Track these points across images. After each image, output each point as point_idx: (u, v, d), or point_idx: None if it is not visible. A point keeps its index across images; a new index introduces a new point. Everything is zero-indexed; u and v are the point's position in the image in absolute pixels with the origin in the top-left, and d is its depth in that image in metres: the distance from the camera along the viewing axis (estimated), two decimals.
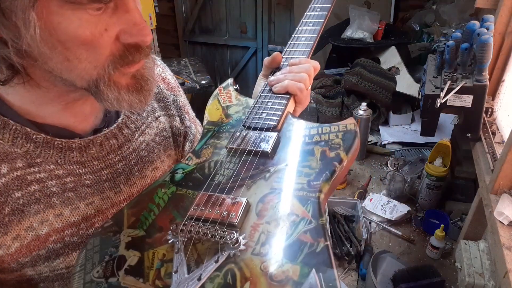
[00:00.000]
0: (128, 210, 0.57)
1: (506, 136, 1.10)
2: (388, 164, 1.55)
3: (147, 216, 0.56)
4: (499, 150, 1.06)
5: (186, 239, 0.51)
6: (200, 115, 0.83)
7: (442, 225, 1.17)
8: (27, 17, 0.42)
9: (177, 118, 0.80)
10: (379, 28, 2.19)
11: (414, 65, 2.05)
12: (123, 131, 0.66)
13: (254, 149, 0.61)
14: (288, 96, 0.69)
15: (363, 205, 1.37)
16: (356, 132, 0.61)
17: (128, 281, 0.48)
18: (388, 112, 1.80)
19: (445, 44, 1.13)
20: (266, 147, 0.61)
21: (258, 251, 0.48)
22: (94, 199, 0.62)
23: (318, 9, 0.80)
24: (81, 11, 0.44)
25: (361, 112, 1.56)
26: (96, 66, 0.49)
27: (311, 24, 0.78)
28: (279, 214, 0.52)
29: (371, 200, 1.39)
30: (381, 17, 2.24)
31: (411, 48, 2.14)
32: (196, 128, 0.87)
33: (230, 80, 0.80)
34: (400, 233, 1.28)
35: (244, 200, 0.54)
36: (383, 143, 1.73)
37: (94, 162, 0.61)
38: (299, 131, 0.64)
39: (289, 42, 0.78)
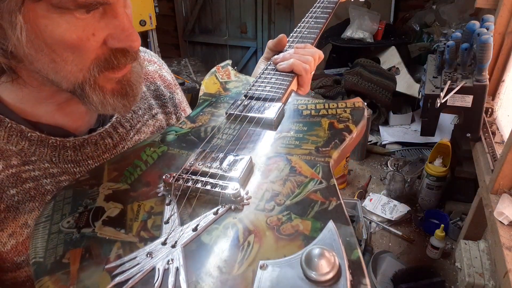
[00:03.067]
0: (109, 165, 0.54)
1: (506, 136, 1.10)
2: (388, 164, 1.55)
3: (132, 171, 0.52)
4: (499, 150, 1.06)
5: (180, 193, 0.47)
6: None
7: (442, 225, 1.17)
8: (13, 20, 0.42)
9: (173, 116, 0.79)
10: (379, 28, 2.19)
11: (414, 65, 2.05)
12: (118, 130, 0.66)
13: (258, 115, 0.58)
14: (293, 74, 0.67)
15: (363, 205, 1.37)
16: (364, 110, 0.60)
17: (106, 231, 0.44)
18: (388, 112, 1.80)
19: (445, 44, 1.13)
20: (271, 114, 0.58)
21: (262, 207, 0.45)
22: None
23: (326, 1, 0.81)
24: (69, 15, 0.44)
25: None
26: (82, 69, 0.49)
27: (316, 16, 0.79)
28: (285, 174, 0.50)
29: (371, 200, 1.39)
30: (381, 17, 2.24)
31: (411, 48, 2.14)
32: None
33: (229, 61, 0.79)
34: (400, 233, 1.28)
35: (247, 157, 0.51)
36: (383, 143, 1.73)
37: (88, 161, 0.61)
38: (304, 105, 0.62)
39: (294, 29, 0.78)
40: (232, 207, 0.45)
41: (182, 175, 0.49)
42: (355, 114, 0.59)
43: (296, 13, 2.95)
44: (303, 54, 0.69)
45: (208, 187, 0.47)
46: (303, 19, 0.80)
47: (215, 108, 0.64)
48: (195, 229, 0.43)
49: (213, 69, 0.76)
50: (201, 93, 0.70)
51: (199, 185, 0.47)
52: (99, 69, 0.50)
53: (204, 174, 0.49)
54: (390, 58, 2.06)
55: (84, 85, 0.50)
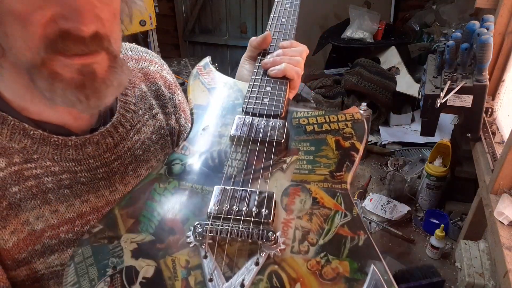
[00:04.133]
0: (120, 211, 0.50)
1: (506, 136, 1.10)
2: (388, 164, 1.55)
3: (149, 216, 0.49)
4: (499, 150, 1.06)
5: (211, 241, 0.45)
6: None
7: (442, 225, 1.17)
8: None
9: (173, 117, 0.79)
10: (379, 28, 2.19)
11: (414, 65, 2.05)
12: (119, 130, 0.65)
13: (267, 139, 0.57)
14: (286, 81, 0.65)
15: (363, 205, 1.37)
16: (364, 121, 0.61)
17: None
18: (388, 112, 1.80)
19: (445, 44, 1.13)
20: (279, 136, 0.57)
21: (297, 249, 0.45)
22: (89, 196, 0.62)
23: None
24: None
25: (361, 112, 1.56)
26: (30, 47, 0.46)
27: (287, 6, 0.75)
28: (308, 207, 0.49)
29: (371, 200, 1.39)
30: (381, 17, 2.23)
31: (411, 48, 2.14)
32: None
33: (208, 59, 0.75)
34: (400, 233, 1.28)
35: (271, 193, 0.50)
36: (383, 143, 1.73)
37: (90, 160, 0.61)
38: (305, 118, 0.62)
39: (269, 23, 0.73)
40: (271, 254, 0.45)
41: (210, 223, 0.47)
42: (357, 128, 0.60)
43: None
44: (292, 55, 0.67)
45: (243, 235, 0.46)
46: (273, 8, 0.76)
47: (214, 126, 0.62)
48: (242, 285, 0.42)
49: (194, 71, 0.71)
50: (191, 104, 0.65)
51: (233, 234, 0.46)
52: (46, 49, 0.46)
53: (235, 220, 0.47)
54: (390, 58, 2.06)
55: (31, 67, 0.47)
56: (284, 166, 0.55)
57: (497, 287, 0.89)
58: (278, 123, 0.58)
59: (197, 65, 0.72)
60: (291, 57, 0.67)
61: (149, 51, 0.80)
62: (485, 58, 1.02)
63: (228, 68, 3.59)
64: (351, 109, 0.63)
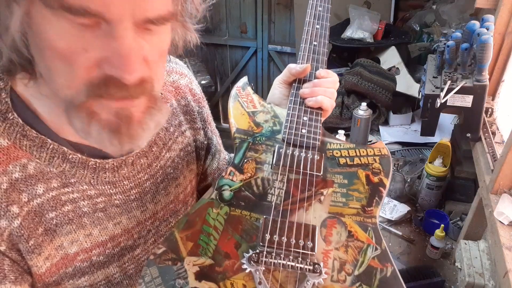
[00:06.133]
0: (180, 233, 0.54)
1: (506, 136, 1.10)
2: None
3: (207, 241, 0.53)
4: (499, 150, 1.06)
5: (264, 268, 0.51)
6: None
7: (442, 225, 1.17)
8: (10, 5, 0.41)
9: (201, 132, 0.77)
10: (379, 28, 2.19)
11: (414, 65, 2.05)
12: (152, 149, 0.64)
13: (308, 172, 0.62)
14: (321, 112, 0.69)
15: None
16: (390, 158, 0.67)
17: None
18: (388, 112, 1.80)
19: (445, 44, 1.13)
20: (318, 170, 0.62)
21: (336, 278, 0.51)
22: (121, 218, 0.61)
23: (320, 8, 0.79)
24: (65, 19, 0.40)
25: (361, 112, 1.56)
26: (71, 86, 0.44)
27: (318, 26, 0.77)
28: (344, 239, 0.56)
29: None
30: (381, 17, 2.23)
31: (411, 48, 2.14)
32: (216, 139, 0.83)
33: (245, 79, 0.77)
34: (400, 233, 1.28)
35: (315, 227, 0.56)
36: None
37: (124, 182, 0.60)
38: (338, 151, 0.67)
39: (302, 45, 0.76)
40: (315, 282, 0.51)
41: (267, 255, 0.52)
42: (384, 164, 0.66)
43: (296, 13, 2.95)
44: (328, 87, 0.69)
45: (294, 267, 0.52)
46: (305, 29, 0.77)
47: (256, 153, 0.65)
48: None
49: (233, 92, 0.74)
50: (233, 128, 0.68)
51: (283, 261, 0.52)
52: (88, 93, 0.44)
53: (286, 250, 0.53)
54: (390, 58, 2.06)
55: (70, 105, 0.45)
56: (322, 198, 0.60)
57: (497, 287, 0.89)
58: (316, 156, 0.64)
59: (236, 86, 0.75)
60: (326, 89, 0.69)
61: (179, 61, 0.77)
62: (485, 58, 1.02)
63: (228, 68, 3.59)
64: (377, 144, 0.69)
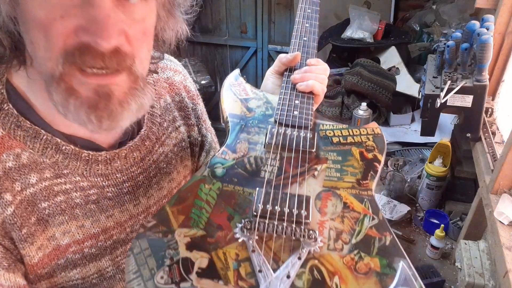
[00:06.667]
0: (171, 207, 0.53)
1: (506, 136, 1.10)
2: (388, 164, 1.55)
3: (199, 214, 0.53)
4: (499, 150, 1.06)
5: (257, 237, 0.51)
6: None
7: (442, 225, 1.17)
8: None
9: (195, 128, 0.78)
10: (379, 28, 2.19)
11: (414, 65, 2.05)
12: (145, 143, 0.65)
13: (300, 148, 0.62)
14: (312, 96, 0.71)
15: None
16: (383, 136, 0.67)
17: (206, 284, 0.46)
18: (388, 112, 1.80)
19: (445, 44, 1.13)
20: (310, 146, 0.62)
21: (333, 247, 0.51)
22: (114, 211, 0.61)
23: (309, 10, 0.85)
24: None
25: (361, 112, 1.56)
26: (50, 58, 0.44)
27: (307, 25, 0.82)
28: (340, 210, 0.55)
29: None
30: (381, 17, 2.23)
31: (411, 48, 2.14)
32: (211, 137, 0.84)
33: (237, 71, 0.79)
34: (400, 233, 1.28)
35: (308, 197, 0.55)
36: None
37: (117, 175, 0.61)
38: (330, 131, 0.68)
39: (292, 40, 0.80)
40: (311, 250, 0.50)
41: (260, 223, 0.52)
42: (377, 142, 0.66)
43: (296, 13, 2.95)
44: (318, 73, 0.72)
45: (287, 233, 0.51)
46: (295, 27, 0.82)
47: (248, 134, 0.66)
48: (288, 276, 0.47)
49: (226, 82, 0.75)
50: (226, 113, 0.70)
51: (279, 232, 0.51)
52: (64, 61, 0.44)
53: (278, 219, 0.52)
54: (390, 58, 2.06)
55: (50, 78, 0.46)
56: (316, 173, 0.60)
57: (497, 287, 0.89)
58: (308, 134, 0.64)
59: (228, 76, 0.78)
60: (317, 75, 0.71)
61: (173, 58, 0.78)
62: (485, 58, 1.02)
63: (228, 68, 3.59)
64: (371, 124, 0.69)
